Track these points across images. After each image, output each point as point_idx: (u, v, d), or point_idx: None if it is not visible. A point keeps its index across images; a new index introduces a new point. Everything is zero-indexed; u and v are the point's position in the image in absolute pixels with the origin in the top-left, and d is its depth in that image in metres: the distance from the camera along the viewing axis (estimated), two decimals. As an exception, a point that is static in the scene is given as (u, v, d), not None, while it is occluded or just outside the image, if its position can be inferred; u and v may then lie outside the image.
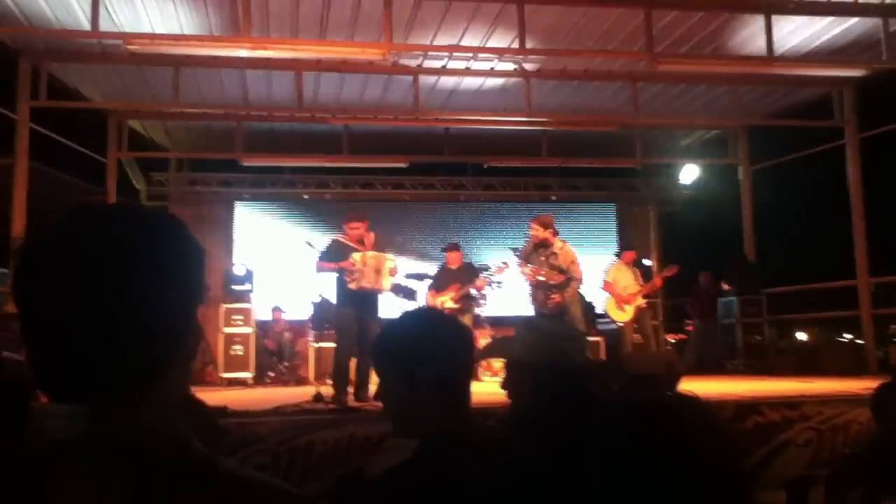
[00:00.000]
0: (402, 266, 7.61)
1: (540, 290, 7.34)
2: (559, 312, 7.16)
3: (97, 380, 0.79)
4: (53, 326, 0.79)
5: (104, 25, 7.10)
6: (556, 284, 7.22)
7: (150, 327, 0.81)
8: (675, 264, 9.39)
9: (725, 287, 10.79)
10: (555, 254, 7.36)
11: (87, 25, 7.11)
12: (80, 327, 0.78)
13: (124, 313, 0.79)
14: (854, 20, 7.97)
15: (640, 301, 8.87)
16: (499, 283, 8.45)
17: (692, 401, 1.23)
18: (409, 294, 8.65)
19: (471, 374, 1.73)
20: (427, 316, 1.81)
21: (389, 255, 6.69)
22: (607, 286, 8.93)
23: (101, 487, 0.75)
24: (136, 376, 0.80)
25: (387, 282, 6.54)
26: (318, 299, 6.61)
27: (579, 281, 7.39)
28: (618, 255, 9.58)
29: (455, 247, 8.69)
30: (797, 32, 8.17)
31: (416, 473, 1.52)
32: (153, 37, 7.41)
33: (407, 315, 1.78)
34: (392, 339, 1.72)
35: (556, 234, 7.50)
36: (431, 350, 1.63)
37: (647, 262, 9.23)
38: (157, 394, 0.82)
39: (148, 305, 0.80)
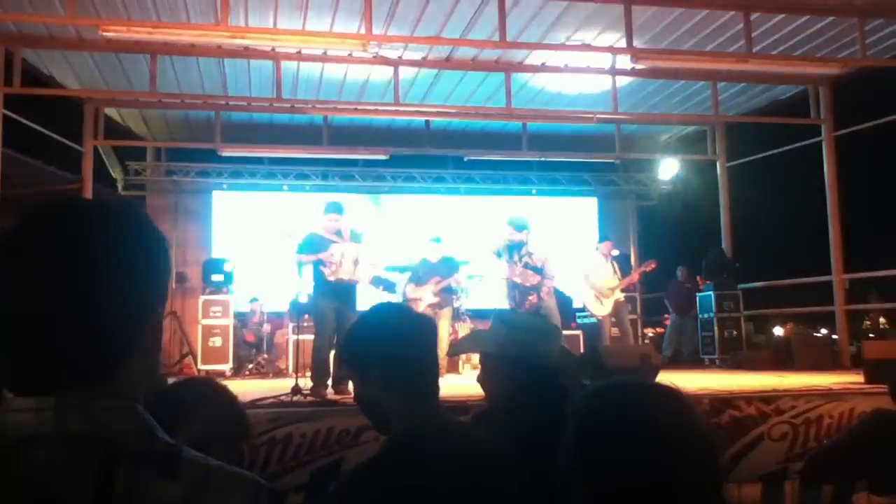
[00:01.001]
0: (382, 258, 7.59)
1: (516, 291, 7.37)
2: (534, 310, 7.21)
3: (57, 371, 0.80)
4: (13, 318, 0.80)
5: (79, 11, 7.00)
6: (531, 286, 7.27)
7: (109, 319, 0.82)
8: (653, 259, 9.44)
9: (703, 282, 10.89)
10: (530, 253, 7.40)
11: (61, 11, 7.00)
12: (39, 319, 0.79)
13: (83, 305, 0.80)
14: (830, 18, 8.05)
15: (619, 295, 8.91)
16: (479, 276, 8.47)
17: (668, 388, 1.23)
18: (389, 286, 8.64)
19: (434, 367, 1.73)
20: (385, 311, 1.82)
21: (369, 247, 6.67)
22: (586, 280, 8.96)
23: (64, 477, 0.76)
24: (97, 367, 0.82)
25: (365, 274, 6.52)
26: (303, 297, 6.61)
27: (553, 279, 7.44)
28: (596, 248, 9.61)
29: (436, 239, 8.68)
30: (774, 30, 8.24)
31: (383, 468, 1.52)
32: (129, 23, 7.30)
33: (369, 311, 1.81)
34: (355, 335, 1.75)
35: (529, 232, 7.51)
36: (388, 345, 1.65)
37: (615, 251, 9.27)
38: (120, 384, 0.83)
39: (107, 297, 0.81)
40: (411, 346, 1.68)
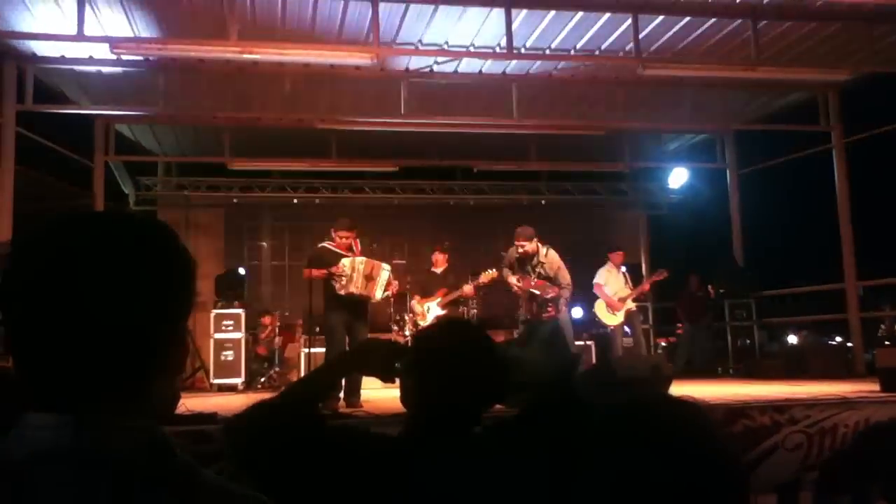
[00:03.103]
0: (392, 273, 7.57)
1: (534, 303, 7.35)
2: (552, 321, 7.19)
3: (80, 389, 0.79)
4: (38, 334, 0.79)
5: (90, 30, 7.06)
6: (550, 298, 7.24)
7: (135, 338, 0.81)
8: (664, 268, 9.41)
9: (714, 290, 10.83)
10: (542, 263, 7.38)
11: (72, 29, 7.07)
12: (64, 336, 0.78)
13: (110, 323, 0.79)
14: (838, 25, 8.03)
15: (630, 305, 8.88)
16: (487, 284, 8.40)
17: (688, 403, 1.22)
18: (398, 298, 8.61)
19: (482, 387, 1.70)
20: (446, 326, 1.82)
21: (385, 266, 6.65)
22: (598, 289, 8.94)
23: (76, 496, 0.75)
24: (120, 387, 0.81)
25: (379, 291, 6.51)
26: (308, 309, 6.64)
27: (569, 287, 7.41)
28: (606, 257, 9.58)
29: (441, 250, 8.64)
30: (783, 37, 8.22)
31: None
32: (139, 41, 7.37)
33: (435, 323, 1.80)
34: (430, 348, 1.73)
35: (540, 241, 7.50)
36: (432, 357, 1.64)
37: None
38: (141, 404, 0.82)
39: (134, 316, 0.80)
40: (492, 378, 1.66)
